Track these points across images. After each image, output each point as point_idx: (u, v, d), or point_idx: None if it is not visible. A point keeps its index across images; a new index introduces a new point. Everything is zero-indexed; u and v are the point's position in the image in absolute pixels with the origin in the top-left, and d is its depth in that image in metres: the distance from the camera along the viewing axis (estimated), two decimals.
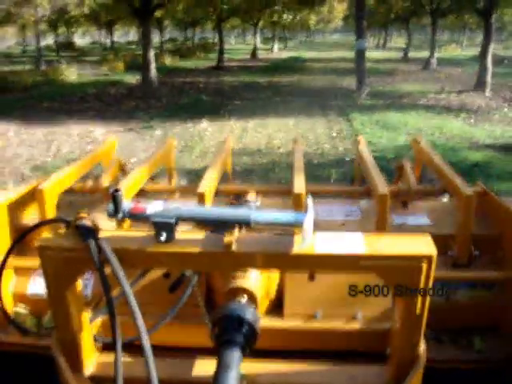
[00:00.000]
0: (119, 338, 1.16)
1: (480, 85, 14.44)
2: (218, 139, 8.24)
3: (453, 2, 18.80)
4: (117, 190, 1.19)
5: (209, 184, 2.02)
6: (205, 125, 9.65)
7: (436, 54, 22.77)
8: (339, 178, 5.81)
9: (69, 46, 42.22)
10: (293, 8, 27.40)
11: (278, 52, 38.63)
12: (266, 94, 14.54)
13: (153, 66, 15.28)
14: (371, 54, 31.90)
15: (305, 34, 70.34)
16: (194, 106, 12.14)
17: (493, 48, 14.76)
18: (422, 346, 1.29)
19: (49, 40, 42.30)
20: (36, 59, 23.65)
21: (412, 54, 29.00)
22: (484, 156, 7.04)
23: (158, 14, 16.40)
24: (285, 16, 31.39)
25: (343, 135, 8.69)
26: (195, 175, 4.49)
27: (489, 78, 14.47)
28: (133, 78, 18.13)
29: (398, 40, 57.07)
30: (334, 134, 8.76)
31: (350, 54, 22.64)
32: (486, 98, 13.37)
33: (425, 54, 25.02)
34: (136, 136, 8.84)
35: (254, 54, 31.48)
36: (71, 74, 19.00)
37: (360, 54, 14.32)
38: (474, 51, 33.89)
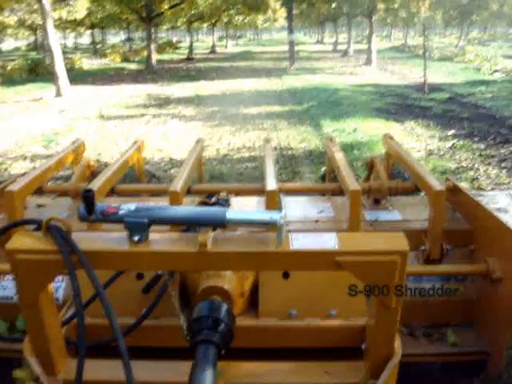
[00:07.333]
0: (85, 341, 1.16)
1: (368, 62, 22.78)
2: (214, 87, 15.93)
3: (350, 7, 27.07)
4: (88, 191, 1.16)
5: (181, 183, 2.02)
6: (203, 83, 17.33)
7: (358, 46, 31.05)
8: (273, 95, 13.50)
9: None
10: (243, 12, 35.02)
11: (231, 48, 46.43)
12: (230, 70, 22.41)
13: (154, 56, 22.55)
14: (309, 48, 40.65)
15: (253, 33, 78.27)
16: (189, 76, 19.68)
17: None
18: (397, 341, 1.30)
19: (22, 41, 47.69)
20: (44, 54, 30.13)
21: (343, 47, 36.99)
22: (341, 87, 14.97)
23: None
24: (236, 18, 39.01)
25: (277, 84, 16.79)
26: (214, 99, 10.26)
27: (373, 57, 22.76)
28: (132, 66, 25.31)
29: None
30: (273, 83, 16.92)
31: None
32: (370, 68, 21.58)
33: (356, 46, 33.31)
34: (166, 87, 16.29)
35: (213, 49, 39.02)
36: (84, 63, 25.79)
37: (291, 44, 22.39)
38: (398, 43, 42.75)
